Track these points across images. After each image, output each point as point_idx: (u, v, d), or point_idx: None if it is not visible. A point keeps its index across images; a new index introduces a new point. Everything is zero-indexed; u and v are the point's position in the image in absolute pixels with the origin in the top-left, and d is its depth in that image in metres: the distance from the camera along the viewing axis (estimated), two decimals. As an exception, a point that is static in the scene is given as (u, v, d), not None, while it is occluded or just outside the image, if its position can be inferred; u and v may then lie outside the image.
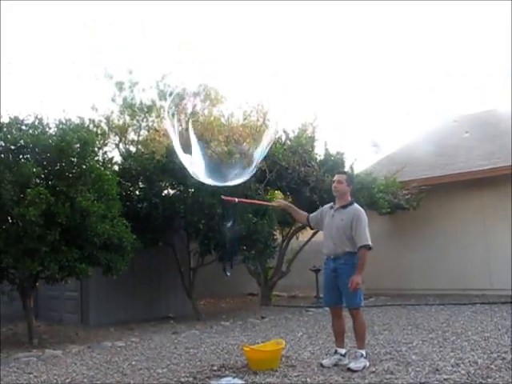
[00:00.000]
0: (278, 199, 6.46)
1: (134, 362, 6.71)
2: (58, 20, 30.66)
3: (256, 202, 7.31)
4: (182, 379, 5.65)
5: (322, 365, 5.90)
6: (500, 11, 36.60)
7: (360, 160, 19.48)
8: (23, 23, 29.08)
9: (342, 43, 37.02)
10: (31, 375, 6.19)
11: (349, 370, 5.62)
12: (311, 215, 6.45)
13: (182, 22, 32.03)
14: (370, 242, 5.85)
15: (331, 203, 6.31)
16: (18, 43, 30.46)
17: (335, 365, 5.88)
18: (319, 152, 12.91)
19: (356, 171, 13.19)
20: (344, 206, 6.08)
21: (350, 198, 6.16)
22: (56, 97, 29.73)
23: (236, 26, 33.72)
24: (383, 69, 38.09)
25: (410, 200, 13.10)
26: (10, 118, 8.53)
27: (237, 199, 6.48)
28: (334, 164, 12.35)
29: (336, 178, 6.26)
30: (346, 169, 12.75)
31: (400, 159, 14.94)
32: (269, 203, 6.75)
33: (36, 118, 8.69)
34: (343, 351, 6.05)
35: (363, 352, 5.87)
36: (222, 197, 6.65)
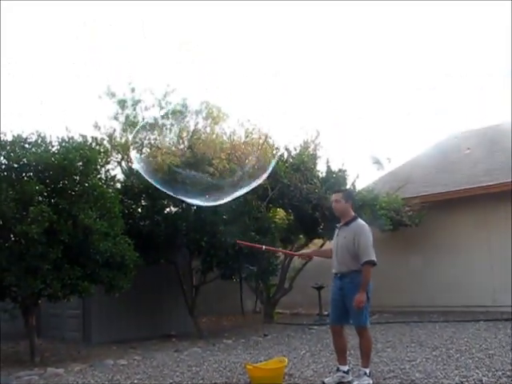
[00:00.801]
0: (302, 251, 6.43)
1: (136, 381, 6.69)
2: (57, 20, 30.86)
3: (282, 251, 7.11)
4: (185, 398, 5.63)
5: (324, 383, 5.85)
6: (500, 11, 36.87)
7: (362, 177, 19.50)
8: (23, 23, 29.28)
9: (341, 44, 37.20)
10: (33, 394, 6.17)
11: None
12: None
13: (182, 22, 32.21)
14: (373, 258, 5.82)
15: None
16: (18, 44, 30.69)
17: (338, 383, 5.83)
18: (321, 169, 12.94)
19: (358, 188, 13.21)
20: (347, 223, 6.08)
21: (352, 214, 6.14)
22: (58, 113, 29.88)
23: (236, 26, 33.88)
24: (383, 69, 38.20)
25: (412, 217, 13.09)
26: (13, 135, 8.58)
27: (264, 246, 6.52)
28: (335, 181, 12.36)
29: (333, 197, 6.27)
30: (348, 186, 12.77)
31: (402, 176, 14.96)
32: (295, 254, 6.72)
33: (39, 136, 8.74)
34: (345, 368, 6.00)
35: (367, 370, 5.83)
36: (239, 242, 6.67)
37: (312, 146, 13.21)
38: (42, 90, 31.70)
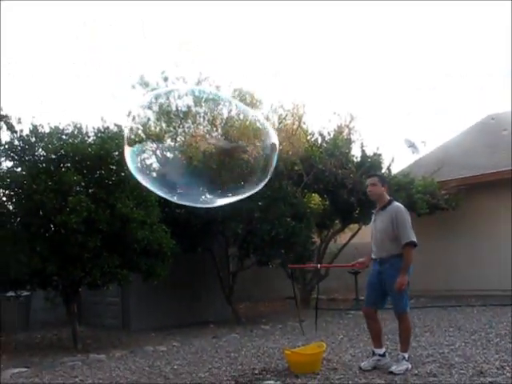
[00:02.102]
0: (358, 260, 6.40)
1: (176, 366, 6.77)
2: (78, 10, 31.11)
3: (337, 266, 6.99)
4: (224, 383, 5.68)
5: (360, 368, 5.84)
6: (500, 11, 36.09)
7: (397, 161, 19.30)
8: (24, 23, 29.60)
9: (342, 43, 36.87)
10: (77, 379, 6.31)
11: (391, 373, 5.56)
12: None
13: (183, 21, 32.21)
14: (414, 239, 5.75)
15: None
16: (47, 34, 31.03)
17: (374, 367, 5.80)
18: (356, 154, 12.86)
19: (393, 172, 13.10)
20: (383, 208, 6.03)
21: (387, 198, 6.07)
22: (93, 105, 30.24)
23: (262, 11, 33.73)
24: (386, 67, 37.74)
25: (448, 200, 12.94)
26: (50, 127, 8.72)
27: (319, 265, 6.49)
28: (371, 166, 12.28)
29: (368, 181, 6.21)
30: (384, 170, 12.67)
31: (438, 159, 14.77)
32: (350, 265, 6.71)
33: (75, 127, 8.87)
34: (381, 351, 5.96)
35: (406, 355, 5.80)
36: (291, 266, 6.64)
37: (346, 131, 13.13)
38: (76, 81, 32.10)
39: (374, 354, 5.99)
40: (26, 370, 7.04)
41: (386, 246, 5.86)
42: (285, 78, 32.81)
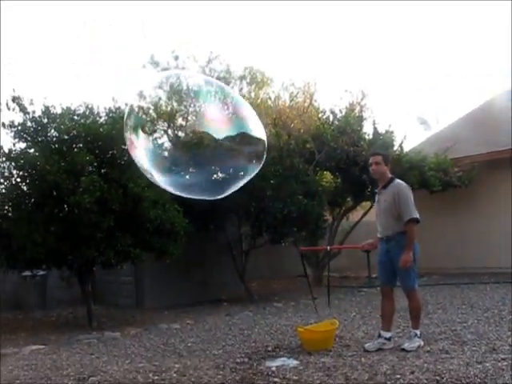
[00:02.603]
0: (367, 241, 6.38)
1: (189, 344, 6.85)
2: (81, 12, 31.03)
3: (346, 247, 6.92)
4: (238, 360, 5.74)
5: (364, 349, 5.81)
6: (500, 11, 35.55)
7: (409, 138, 19.19)
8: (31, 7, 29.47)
9: (354, 20, 36.49)
10: (93, 356, 6.40)
11: (403, 350, 5.59)
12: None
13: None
14: (416, 215, 5.73)
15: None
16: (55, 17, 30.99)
17: (379, 349, 5.77)
18: (368, 131, 12.80)
19: (405, 150, 13.04)
20: (385, 186, 6.01)
21: (389, 176, 6.04)
22: (105, 85, 30.24)
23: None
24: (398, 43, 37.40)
25: (461, 177, 12.88)
26: (62, 108, 8.74)
27: (328, 247, 6.45)
28: (383, 143, 12.23)
29: (372, 160, 6.08)
30: (396, 147, 12.63)
31: (450, 136, 14.67)
32: (359, 247, 6.69)
33: (87, 107, 8.88)
34: (388, 335, 5.92)
35: (417, 332, 5.82)
36: (302, 249, 6.59)
37: (358, 108, 13.07)
38: (85, 61, 32.06)
39: (379, 336, 5.95)
40: (43, 347, 7.16)
41: (391, 224, 5.86)
42: (296, 56, 32.62)
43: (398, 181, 6.03)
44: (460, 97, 37.12)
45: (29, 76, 29.84)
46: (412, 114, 33.42)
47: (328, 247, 6.46)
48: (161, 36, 30.47)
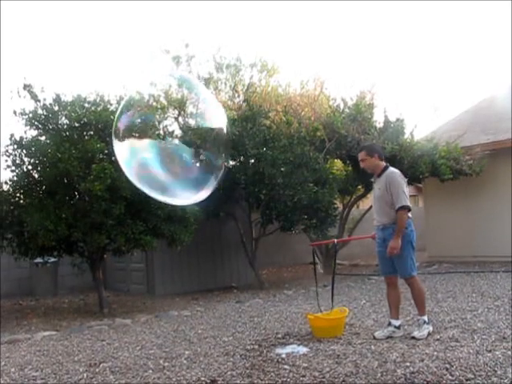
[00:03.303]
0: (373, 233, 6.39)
1: (200, 331, 6.88)
2: None
3: (354, 238, 6.88)
4: (248, 347, 5.77)
5: (374, 337, 5.81)
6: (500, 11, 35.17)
7: (421, 126, 19.11)
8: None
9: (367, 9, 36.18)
10: (104, 342, 6.45)
11: (413, 338, 5.60)
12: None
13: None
14: (406, 203, 5.72)
15: None
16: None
17: (388, 337, 5.77)
18: (378, 119, 12.75)
19: (416, 138, 12.97)
20: (379, 175, 6.03)
21: (382, 165, 6.05)
22: (116, 73, 30.27)
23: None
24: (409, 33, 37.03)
25: (472, 166, 12.80)
26: (72, 96, 8.76)
27: (335, 240, 6.46)
28: (393, 131, 12.18)
29: (359, 158, 6.19)
30: (406, 135, 12.57)
31: (461, 124, 14.59)
32: (367, 236, 6.67)
33: (97, 95, 8.90)
34: (397, 323, 5.93)
35: (425, 318, 5.81)
36: (312, 244, 6.60)
37: (369, 96, 13.01)
38: (97, 49, 32.06)
39: (389, 324, 5.96)
40: (55, 333, 7.24)
41: (386, 211, 5.85)
42: (307, 44, 32.48)
43: (391, 169, 6.05)
44: (472, 85, 36.87)
45: (40, 63, 29.91)
46: (424, 101, 33.26)
47: (335, 240, 6.44)
48: (172, 23, 30.43)
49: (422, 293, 5.97)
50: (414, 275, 5.88)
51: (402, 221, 5.71)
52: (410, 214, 5.85)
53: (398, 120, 12.56)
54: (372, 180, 6.30)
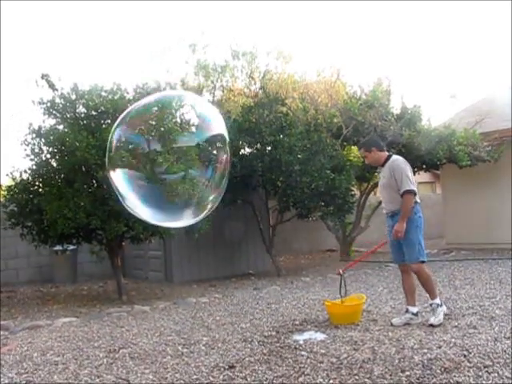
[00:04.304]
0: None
1: (218, 317, 6.93)
2: None
3: (369, 252, 6.83)
4: (266, 333, 5.80)
5: (391, 324, 5.83)
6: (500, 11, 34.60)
7: (438, 113, 18.95)
8: None
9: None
10: (123, 329, 6.52)
11: (431, 326, 5.58)
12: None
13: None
14: (411, 187, 5.74)
15: None
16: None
17: (406, 324, 5.79)
18: (395, 106, 12.67)
19: (434, 124, 12.89)
20: (383, 165, 6.09)
21: (384, 155, 6.12)
22: (133, 63, 30.34)
23: None
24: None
25: (490, 152, 12.70)
26: (90, 85, 8.80)
27: (341, 270, 6.48)
28: (411, 117, 12.12)
29: (360, 155, 6.38)
30: (423, 122, 12.50)
31: (480, 110, 14.44)
32: (378, 246, 6.67)
33: (114, 83, 8.92)
34: (415, 310, 5.94)
35: (437, 301, 5.79)
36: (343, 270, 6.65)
37: (386, 82, 12.92)
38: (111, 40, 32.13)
39: (407, 311, 5.98)
40: (75, 319, 7.32)
41: (395, 198, 5.87)
42: (324, 31, 32.28)
43: (394, 157, 6.12)
44: (490, 71, 36.46)
45: (58, 53, 30.04)
46: (441, 88, 32.97)
47: (340, 271, 6.52)
48: (188, 12, 30.37)
49: (430, 278, 5.94)
50: (422, 260, 5.85)
51: (406, 205, 5.73)
52: (418, 200, 5.85)
53: (415, 106, 12.49)
54: (377, 171, 6.34)
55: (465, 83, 35.32)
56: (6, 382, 4.58)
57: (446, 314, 5.73)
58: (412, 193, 5.75)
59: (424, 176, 17.96)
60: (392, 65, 28.42)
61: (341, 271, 6.57)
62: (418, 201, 5.88)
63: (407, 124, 11.82)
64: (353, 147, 13.02)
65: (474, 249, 12.92)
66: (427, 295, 6.14)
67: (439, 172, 15.46)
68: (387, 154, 6.17)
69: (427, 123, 12.62)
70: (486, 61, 39.65)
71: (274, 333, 5.82)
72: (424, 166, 13.14)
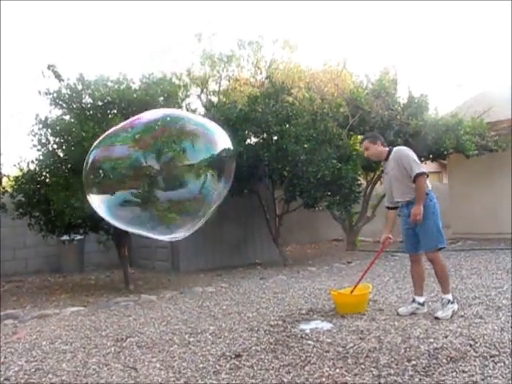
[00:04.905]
0: (382, 237, 6.39)
1: (224, 307, 6.96)
2: None
3: (376, 256, 6.82)
4: (272, 323, 5.82)
5: (398, 313, 5.84)
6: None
7: (445, 102, 18.87)
8: None
9: None
10: (130, 318, 6.56)
11: (436, 318, 5.56)
12: (386, 203, 6.35)
13: None
14: (421, 170, 5.72)
15: None
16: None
17: (412, 314, 5.79)
18: (402, 95, 12.62)
19: (441, 113, 12.84)
20: (387, 158, 6.08)
21: (386, 150, 6.12)
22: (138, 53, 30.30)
23: None
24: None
25: (498, 141, 12.64)
26: (96, 75, 8.81)
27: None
28: (417, 107, 12.06)
29: (362, 148, 6.36)
30: (430, 111, 12.45)
31: (487, 100, 14.37)
32: (383, 247, 6.63)
33: (120, 73, 8.93)
34: (421, 300, 5.94)
35: (449, 297, 5.76)
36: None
37: (392, 71, 12.87)
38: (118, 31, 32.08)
39: (413, 300, 5.97)
40: (83, 308, 7.37)
41: (406, 188, 5.84)
42: (330, 21, 32.11)
43: (396, 148, 6.14)
44: (499, 60, 36.21)
45: (63, 44, 30.02)
46: (447, 78, 32.81)
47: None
48: (194, 2, 30.26)
49: (445, 270, 5.93)
50: (441, 247, 5.81)
51: (421, 187, 5.70)
52: (430, 187, 5.83)
53: (422, 95, 12.43)
54: (382, 168, 6.31)
55: (472, 72, 35.09)
56: (16, 369, 4.62)
57: (455, 313, 5.70)
58: (424, 174, 5.72)
59: (431, 166, 17.91)
60: (399, 54, 28.32)
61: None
62: (431, 187, 5.86)
63: (414, 113, 11.78)
64: (359, 137, 13.00)
65: (480, 239, 12.91)
66: (434, 285, 6.16)
67: (446, 162, 15.41)
68: (388, 149, 6.15)
69: (434, 112, 12.57)
70: (493, 49, 39.36)
71: (280, 322, 5.84)
72: (431, 156, 13.10)
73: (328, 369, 4.16)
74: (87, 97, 8.67)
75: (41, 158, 8.74)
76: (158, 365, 4.54)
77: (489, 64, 35.93)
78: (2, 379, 4.38)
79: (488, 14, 36.88)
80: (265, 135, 10.80)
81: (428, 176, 5.83)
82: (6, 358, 5.02)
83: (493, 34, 35.70)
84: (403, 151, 5.96)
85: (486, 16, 36.70)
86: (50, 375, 4.43)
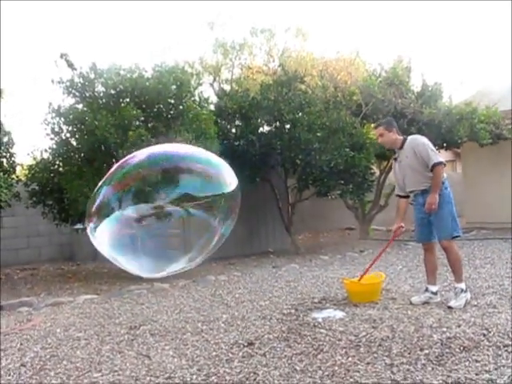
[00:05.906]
0: (394, 227, 6.34)
1: (237, 295, 6.97)
2: None
3: (387, 246, 6.78)
4: (284, 311, 5.83)
5: (411, 302, 5.82)
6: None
7: (460, 90, 18.71)
8: None
9: None
10: (143, 306, 6.60)
11: (449, 308, 5.54)
12: (397, 191, 6.30)
13: None
14: (439, 159, 5.67)
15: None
16: None
17: (425, 303, 5.76)
18: (416, 83, 12.53)
19: (455, 102, 12.73)
20: (401, 147, 5.99)
21: (401, 138, 6.03)
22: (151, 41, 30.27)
23: None
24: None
25: (512, 130, 12.55)
26: (108, 64, 8.82)
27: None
28: (431, 95, 11.98)
29: (376, 134, 6.31)
30: (445, 99, 12.35)
31: (501, 88, 14.24)
32: (394, 237, 6.57)
33: (133, 62, 8.94)
34: (434, 289, 5.91)
35: (462, 286, 5.72)
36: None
37: (406, 59, 12.77)
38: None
39: (426, 289, 5.95)
40: (96, 296, 7.42)
41: (423, 177, 5.77)
42: (344, 9, 31.89)
43: (410, 136, 6.05)
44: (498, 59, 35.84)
45: (76, 34, 30.06)
46: (463, 66, 32.53)
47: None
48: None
49: (459, 259, 5.89)
50: (456, 235, 5.77)
51: (438, 177, 5.64)
52: (445, 175, 5.78)
53: (435, 84, 12.33)
54: (394, 157, 6.23)
55: (486, 61, 34.64)
56: (32, 355, 4.67)
57: (468, 302, 5.67)
58: (442, 164, 5.67)
59: (445, 154, 17.82)
60: (413, 41, 28.02)
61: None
62: (445, 176, 5.82)
63: (428, 102, 11.69)
64: (372, 125, 12.94)
65: (494, 228, 12.82)
66: (447, 274, 6.13)
67: (460, 150, 15.31)
68: (403, 137, 6.07)
69: (448, 101, 12.48)
70: (493, 49, 38.89)
71: (292, 310, 5.84)
72: (444, 145, 13.01)
73: (340, 357, 4.16)
74: (100, 85, 8.69)
75: (54, 146, 8.78)
76: (170, 352, 4.57)
77: (489, 61, 35.47)
78: (18, 365, 4.42)
79: (488, 14, 36.36)
80: (277, 123, 10.78)
81: (445, 165, 5.79)
82: (21, 344, 5.08)
83: (492, 34, 35.34)
84: (420, 139, 5.90)
85: (486, 16, 36.17)
86: (64, 362, 4.47)
